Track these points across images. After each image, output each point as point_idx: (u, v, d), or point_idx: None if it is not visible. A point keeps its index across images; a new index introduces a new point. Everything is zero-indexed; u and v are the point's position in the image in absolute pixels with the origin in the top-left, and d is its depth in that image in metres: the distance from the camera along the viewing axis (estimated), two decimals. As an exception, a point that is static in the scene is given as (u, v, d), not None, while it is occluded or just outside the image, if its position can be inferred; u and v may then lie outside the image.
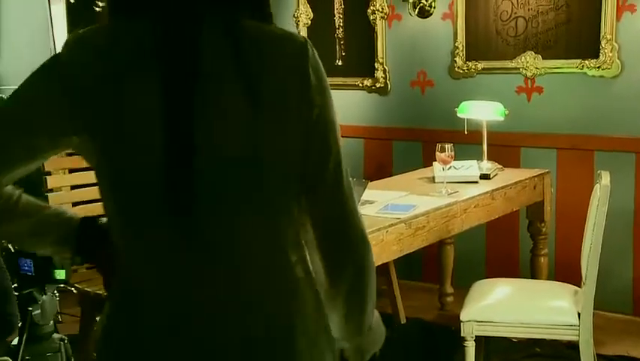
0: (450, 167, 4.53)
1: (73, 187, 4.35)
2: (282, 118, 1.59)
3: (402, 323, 4.94)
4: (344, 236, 1.70)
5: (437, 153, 4.55)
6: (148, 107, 1.51)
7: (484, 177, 4.64)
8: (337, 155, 1.67)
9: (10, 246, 3.46)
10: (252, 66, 1.56)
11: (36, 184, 4.10)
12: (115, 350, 1.64)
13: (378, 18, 6.15)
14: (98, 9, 5.42)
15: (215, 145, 1.52)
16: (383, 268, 4.90)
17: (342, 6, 6.33)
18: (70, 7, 6.64)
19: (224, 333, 1.59)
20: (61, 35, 6.28)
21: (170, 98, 1.51)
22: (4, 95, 4.63)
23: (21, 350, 2.83)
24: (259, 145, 1.56)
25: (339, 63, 6.37)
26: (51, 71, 1.60)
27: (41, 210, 1.70)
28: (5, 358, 2.97)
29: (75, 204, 3.86)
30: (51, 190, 4.26)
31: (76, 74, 1.54)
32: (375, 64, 6.20)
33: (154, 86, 1.50)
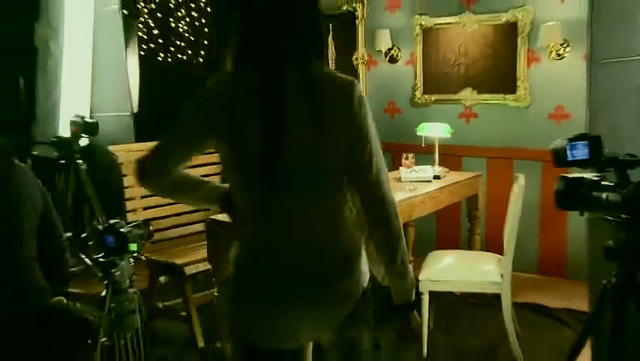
0: (412, 170, 4.73)
1: (145, 208, 4.52)
2: (334, 136, 2.00)
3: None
4: (379, 205, 2.07)
5: (403, 160, 4.83)
6: (253, 125, 1.95)
7: (436, 177, 4.75)
8: (370, 152, 2.04)
9: (99, 226, 3.83)
10: (317, 101, 1.97)
11: (120, 208, 4.43)
12: (239, 266, 2.12)
13: (360, 63, 6.31)
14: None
15: (289, 155, 1.96)
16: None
17: (334, 55, 6.34)
18: (141, 58, 6.58)
19: (299, 259, 2.04)
20: (133, 77, 6.20)
21: (265, 123, 1.96)
22: (97, 120, 4.86)
23: (107, 300, 2.80)
24: (317, 157, 1.99)
25: None
26: (199, 102, 2.10)
27: (204, 184, 2.26)
28: (60, 298, 2.93)
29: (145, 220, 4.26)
30: (128, 211, 4.42)
31: (211, 104, 2.05)
32: None
33: (256, 112, 1.95)
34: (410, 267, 2.14)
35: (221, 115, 2.03)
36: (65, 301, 2.83)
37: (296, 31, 2.03)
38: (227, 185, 2.22)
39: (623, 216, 2.13)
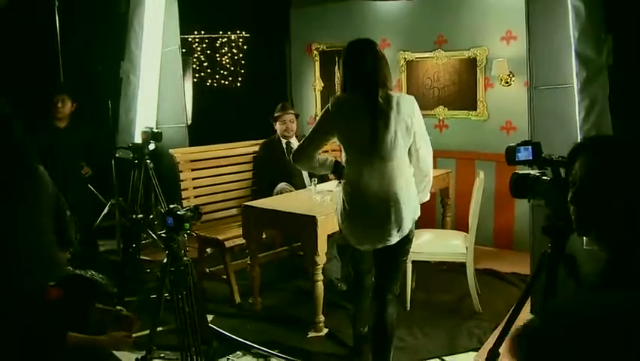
0: None
1: (195, 196, 4.55)
2: (404, 127, 2.79)
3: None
4: (423, 165, 2.94)
5: None
6: (363, 124, 2.76)
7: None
8: (421, 137, 2.88)
9: (162, 210, 3.83)
10: (396, 110, 2.76)
11: (177, 196, 4.46)
12: (351, 201, 2.85)
13: None
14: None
15: (384, 140, 2.75)
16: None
17: (341, 80, 6.41)
18: (194, 84, 6.86)
19: (386, 200, 2.80)
20: (188, 98, 6.41)
21: (370, 122, 2.74)
22: (161, 130, 4.89)
23: (168, 265, 2.80)
24: (396, 139, 2.77)
25: None
26: (327, 113, 2.87)
27: (325, 160, 3.01)
28: (120, 307, 2.85)
29: (195, 206, 4.26)
30: (183, 198, 4.45)
31: (335, 114, 2.87)
32: None
33: (364, 117, 2.75)
34: (428, 193, 3.09)
35: (342, 119, 2.84)
36: (72, 269, 2.76)
37: (378, 73, 2.80)
38: (333, 159, 3.04)
39: (554, 202, 2.16)
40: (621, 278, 1.18)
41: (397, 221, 2.82)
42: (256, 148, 4.99)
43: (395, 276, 3.02)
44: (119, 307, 2.85)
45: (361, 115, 2.74)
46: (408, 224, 2.86)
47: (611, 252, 1.25)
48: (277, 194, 4.59)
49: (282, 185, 4.63)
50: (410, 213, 2.87)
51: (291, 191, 4.60)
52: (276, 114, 4.88)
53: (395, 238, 2.85)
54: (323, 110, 2.91)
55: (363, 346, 3.27)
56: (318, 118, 2.94)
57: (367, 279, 3.12)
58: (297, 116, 5.02)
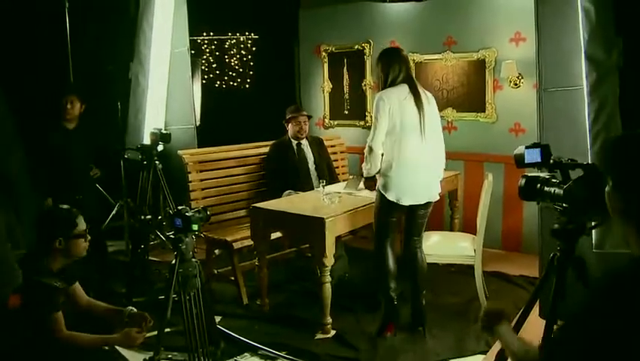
0: None
1: (203, 198, 4.56)
2: (436, 113, 3.68)
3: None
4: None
5: None
6: (410, 109, 3.49)
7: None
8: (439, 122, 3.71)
9: (170, 211, 3.85)
10: (427, 102, 3.58)
11: (185, 197, 4.47)
12: (397, 172, 3.54)
13: (367, 88, 6.20)
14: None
15: (427, 122, 3.50)
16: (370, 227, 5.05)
17: (348, 81, 6.35)
18: (202, 86, 6.88)
19: (428, 167, 3.59)
20: (197, 100, 6.42)
21: (416, 107, 3.54)
22: (170, 131, 4.88)
23: (176, 266, 2.80)
24: (434, 122, 3.61)
25: (346, 112, 6.39)
26: (383, 102, 3.49)
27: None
28: (131, 307, 2.85)
29: (204, 207, 4.13)
30: (192, 200, 4.45)
31: (389, 100, 3.49)
32: (366, 113, 6.21)
33: (411, 104, 3.49)
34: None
35: (395, 105, 3.49)
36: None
37: (411, 71, 3.73)
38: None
39: (564, 205, 2.15)
40: None
41: (436, 184, 3.69)
42: (264, 149, 5.00)
43: (422, 229, 3.78)
44: (130, 307, 2.86)
45: (409, 102, 3.50)
46: (438, 189, 3.71)
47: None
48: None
49: (288, 193, 4.63)
50: (438, 182, 3.73)
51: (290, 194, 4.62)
52: (289, 115, 4.89)
53: (435, 197, 3.71)
54: (375, 103, 3.54)
55: (392, 308, 3.71)
56: (375, 111, 3.52)
57: (389, 242, 3.69)
58: (309, 117, 5.04)
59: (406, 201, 3.58)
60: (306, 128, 4.93)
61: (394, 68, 3.56)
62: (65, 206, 2.74)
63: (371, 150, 3.56)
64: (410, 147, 3.50)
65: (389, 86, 3.57)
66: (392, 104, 3.49)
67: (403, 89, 3.52)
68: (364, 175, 3.81)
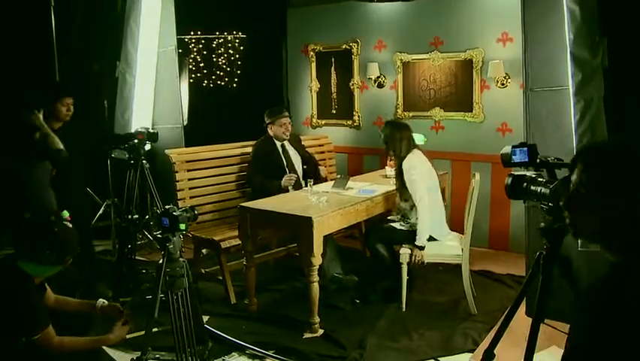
0: (394, 169, 4.45)
1: (191, 197, 4.53)
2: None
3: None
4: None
5: (388, 161, 4.86)
6: (430, 170, 4.12)
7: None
8: None
9: (157, 210, 3.80)
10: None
11: (172, 196, 4.45)
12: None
13: (355, 88, 6.22)
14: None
15: None
16: (358, 226, 4.93)
17: (336, 81, 6.36)
18: (190, 85, 6.85)
19: None
20: (184, 99, 6.38)
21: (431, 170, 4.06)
22: (157, 130, 4.76)
23: (163, 266, 2.80)
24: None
25: (334, 111, 6.39)
26: (410, 163, 3.98)
27: None
28: (102, 300, 2.68)
29: (191, 206, 4.16)
30: (179, 199, 4.44)
31: (414, 164, 3.98)
32: (354, 112, 6.21)
33: (429, 167, 4.10)
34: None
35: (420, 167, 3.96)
36: None
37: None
38: None
39: (550, 204, 2.15)
40: (624, 283, 1.18)
41: None
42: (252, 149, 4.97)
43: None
44: (101, 299, 2.70)
45: (425, 164, 4.13)
46: None
47: (616, 257, 1.24)
48: (285, 188, 4.63)
49: (289, 177, 4.70)
50: None
51: (291, 180, 4.66)
52: (272, 118, 4.84)
53: None
54: (404, 167, 4.03)
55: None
56: (410, 174, 4.01)
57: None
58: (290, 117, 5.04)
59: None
60: (290, 128, 4.91)
61: (407, 136, 4.18)
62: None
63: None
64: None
65: (406, 151, 4.12)
66: (417, 168, 4.07)
67: (419, 155, 4.17)
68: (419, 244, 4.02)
